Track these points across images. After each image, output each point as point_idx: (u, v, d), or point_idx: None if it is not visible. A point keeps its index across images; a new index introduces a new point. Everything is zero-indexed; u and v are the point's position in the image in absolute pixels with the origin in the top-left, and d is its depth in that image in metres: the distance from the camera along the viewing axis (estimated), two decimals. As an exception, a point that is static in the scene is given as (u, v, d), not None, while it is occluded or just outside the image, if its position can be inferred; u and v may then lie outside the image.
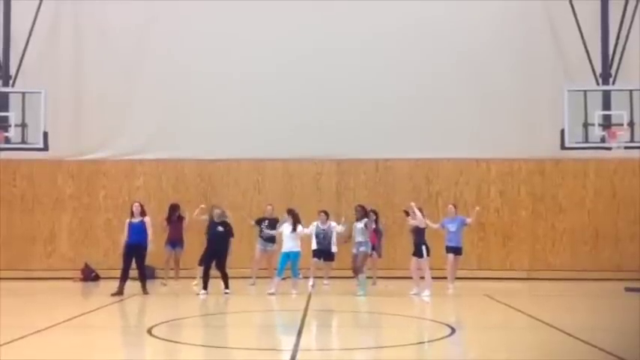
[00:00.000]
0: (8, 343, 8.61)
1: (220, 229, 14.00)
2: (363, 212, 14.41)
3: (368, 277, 14.81)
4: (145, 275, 14.19)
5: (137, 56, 17.76)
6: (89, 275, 16.67)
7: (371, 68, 17.62)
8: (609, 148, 15.81)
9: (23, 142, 16.02)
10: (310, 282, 14.88)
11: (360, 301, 13.49)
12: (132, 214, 14.09)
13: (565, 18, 17.07)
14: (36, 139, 15.88)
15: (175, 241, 15.74)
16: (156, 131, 17.64)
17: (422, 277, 14.00)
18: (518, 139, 17.37)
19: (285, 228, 14.21)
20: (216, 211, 14.19)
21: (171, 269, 15.97)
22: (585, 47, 16.77)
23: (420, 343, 9.51)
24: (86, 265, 16.82)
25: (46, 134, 15.91)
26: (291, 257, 14.16)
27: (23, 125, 15.90)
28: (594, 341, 8.81)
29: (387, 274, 15.92)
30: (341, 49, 17.60)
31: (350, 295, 13.80)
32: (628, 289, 14.77)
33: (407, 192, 17.41)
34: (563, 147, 15.95)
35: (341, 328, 11.23)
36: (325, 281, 15.53)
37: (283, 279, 14.47)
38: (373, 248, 15.15)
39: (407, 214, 14.05)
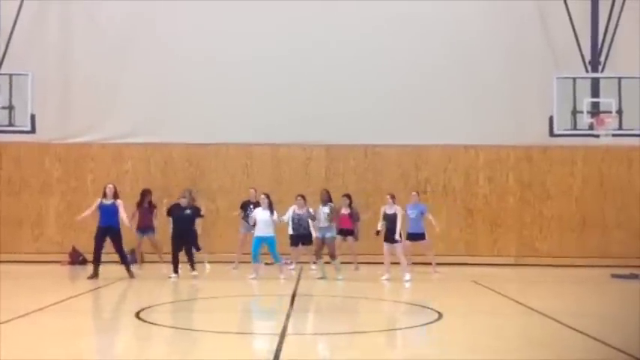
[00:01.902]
0: (-5, 326, 8.59)
1: (188, 212, 14.14)
2: (327, 197, 14.41)
3: (345, 263, 14.96)
4: (127, 258, 14.16)
5: (126, 39, 17.62)
6: (77, 259, 16.61)
7: (361, 55, 17.56)
8: (597, 136, 15.90)
9: (10, 124, 15.92)
10: (292, 267, 15.11)
11: (345, 286, 13.52)
12: (104, 195, 13.93)
13: (554, 4, 17.07)
14: (23, 122, 15.78)
15: (145, 227, 15.55)
16: (144, 115, 17.55)
17: (395, 263, 14.04)
18: (506, 126, 17.40)
19: (261, 213, 14.15)
20: (183, 200, 14.29)
21: (148, 253, 15.88)
22: (575, 34, 16.78)
23: (408, 327, 9.55)
24: (74, 249, 16.75)
25: (33, 117, 15.81)
26: (268, 242, 14.12)
27: (10, 108, 15.80)
28: (581, 327, 8.88)
29: (373, 260, 15.90)
30: (331, 36, 17.52)
31: (334, 281, 13.84)
32: (614, 276, 14.90)
33: (395, 178, 17.46)
34: (551, 134, 16.04)
35: (328, 312, 11.26)
36: (312, 266, 15.56)
37: (267, 264, 14.53)
38: (349, 233, 15.24)
39: (377, 233, 14.10)
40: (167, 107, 17.56)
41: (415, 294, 12.97)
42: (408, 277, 13.77)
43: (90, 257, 14.60)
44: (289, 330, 8.88)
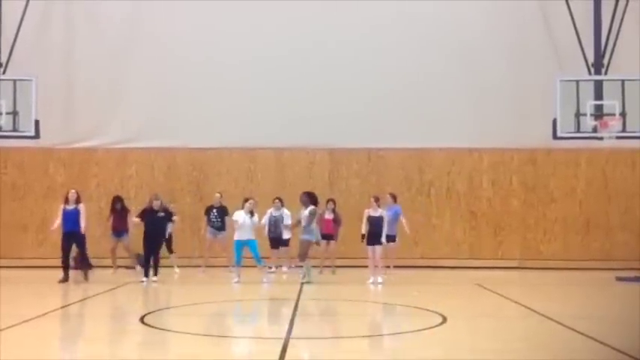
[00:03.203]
0: (-1, 331, 8.60)
1: (161, 214, 14.22)
2: (307, 200, 14.42)
3: (326, 267, 15.21)
4: (87, 262, 14.26)
5: (129, 44, 17.66)
6: (82, 264, 16.58)
7: (364, 59, 17.57)
8: (601, 138, 15.83)
9: (14, 129, 15.93)
10: (272, 270, 15.19)
11: (339, 289, 13.50)
12: (66, 201, 14.08)
13: (557, 7, 17.05)
14: (27, 127, 15.79)
15: (120, 230, 15.69)
16: (148, 120, 17.58)
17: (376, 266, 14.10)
18: (510, 129, 17.38)
19: (241, 216, 14.15)
20: (156, 202, 14.33)
21: (118, 257, 15.92)
22: (578, 37, 16.75)
23: (412, 331, 9.53)
24: (78, 254, 16.72)
25: (37, 122, 15.82)
26: (250, 245, 14.15)
27: (14, 113, 15.80)
28: (586, 330, 8.85)
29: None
30: (334, 39, 17.55)
31: (334, 284, 13.82)
32: (619, 279, 14.85)
33: (399, 181, 17.45)
34: (555, 137, 15.98)
35: (331, 317, 11.24)
36: (284, 269, 15.59)
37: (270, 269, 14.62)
38: (331, 237, 15.32)
39: (363, 237, 14.09)
40: (171, 111, 17.59)
41: (418, 298, 12.94)
42: (380, 279, 13.86)
43: (94, 262, 14.72)
44: (292, 334, 8.87)
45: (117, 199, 15.96)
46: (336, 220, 15.57)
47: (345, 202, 16.66)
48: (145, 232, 14.16)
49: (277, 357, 7.45)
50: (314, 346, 8.58)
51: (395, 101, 17.47)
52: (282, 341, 8.26)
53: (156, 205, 14.27)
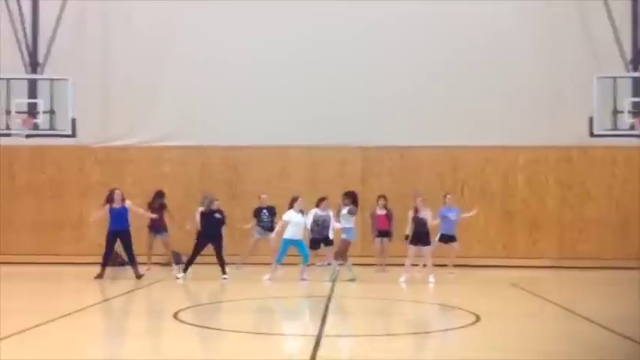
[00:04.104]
0: (36, 326, 8.74)
1: (217, 216, 14.23)
2: (347, 199, 14.29)
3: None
4: (135, 259, 14.35)
5: (164, 44, 17.83)
6: (116, 261, 16.79)
7: (397, 56, 17.50)
8: (638, 136, 15.58)
9: (51, 128, 16.21)
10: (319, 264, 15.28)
11: (381, 288, 13.47)
12: (112, 201, 14.22)
13: (594, 2, 16.80)
14: (64, 126, 16.04)
15: (157, 227, 15.80)
16: (182, 118, 17.73)
17: (416, 265, 14.08)
18: (545, 127, 17.17)
19: (295, 216, 14.15)
20: (216, 203, 14.36)
21: (156, 255, 16.04)
22: (615, 32, 16.48)
23: (444, 330, 9.47)
24: (114, 251, 16.95)
25: (74, 121, 16.06)
26: (299, 245, 14.15)
27: (51, 112, 16.09)
28: (624, 331, 8.69)
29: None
30: (370, 37, 17.52)
31: (368, 283, 13.79)
32: (657, 279, 14.59)
33: (432, 180, 17.35)
34: (591, 134, 15.76)
35: (364, 315, 11.22)
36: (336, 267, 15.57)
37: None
38: (386, 234, 15.36)
39: (407, 237, 14.06)
40: (204, 111, 17.71)
41: (452, 297, 12.85)
42: (433, 278, 13.80)
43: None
44: (325, 332, 8.87)
45: (158, 195, 16.00)
46: (389, 216, 15.60)
47: (376, 200, 16.58)
48: (202, 233, 14.20)
49: (310, 354, 7.46)
50: (343, 345, 8.56)
51: (427, 99, 17.36)
52: (314, 338, 8.28)
53: (215, 205, 14.30)
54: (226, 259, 14.57)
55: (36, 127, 16.19)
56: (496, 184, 17.47)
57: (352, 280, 13.88)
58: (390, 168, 17.67)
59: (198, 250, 14.24)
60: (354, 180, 17.40)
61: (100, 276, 13.96)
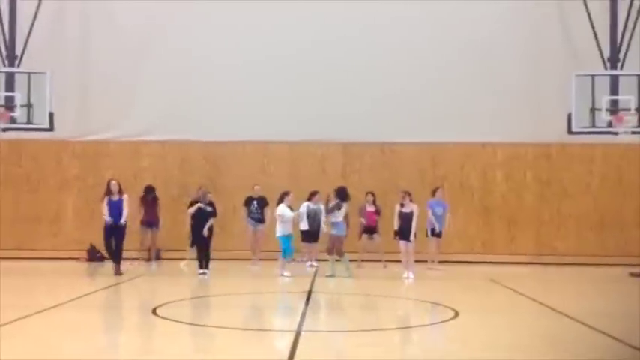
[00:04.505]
0: (12, 322, 8.66)
1: (209, 209, 14.14)
2: (338, 195, 14.35)
3: (365, 260, 15.28)
4: (121, 255, 14.09)
5: (143, 37, 17.71)
6: (94, 256, 16.72)
7: (377, 52, 17.51)
8: (616, 133, 15.76)
9: (29, 122, 16.07)
10: (314, 263, 15.20)
11: (361, 283, 13.50)
12: (110, 192, 14.00)
13: (573, 1, 16.92)
14: (41, 120, 15.90)
15: (151, 221, 15.81)
16: (161, 113, 17.62)
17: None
18: (524, 124, 17.28)
19: (286, 210, 14.15)
20: (204, 193, 14.31)
21: (148, 250, 15.97)
22: (593, 31, 16.61)
23: (423, 325, 9.51)
24: (92, 246, 16.86)
25: (51, 115, 15.93)
26: (290, 239, 14.25)
27: (29, 106, 15.94)
28: (600, 326, 8.78)
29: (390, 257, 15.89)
30: (347, 33, 17.48)
31: (346, 278, 13.81)
32: (633, 275, 14.75)
33: (412, 176, 17.40)
34: (569, 132, 15.91)
35: (344, 310, 11.25)
36: (314, 263, 15.57)
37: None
38: (374, 230, 15.45)
39: (395, 233, 14.10)
40: (184, 105, 17.61)
41: (432, 292, 12.90)
42: (412, 274, 13.83)
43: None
44: (304, 327, 8.88)
45: (149, 189, 15.92)
46: (377, 212, 15.70)
47: (359, 196, 16.61)
48: (194, 227, 14.13)
49: (289, 350, 7.46)
50: (322, 340, 8.57)
51: (408, 96, 17.40)
52: (293, 334, 8.28)
53: (208, 198, 14.21)
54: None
55: (13, 120, 16.02)
56: (475, 181, 17.57)
57: (348, 275, 13.86)
58: (370, 164, 17.70)
59: (196, 243, 14.13)
60: (334, 176, 17.40)
61: (118, 271, 13.72)
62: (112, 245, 13.91)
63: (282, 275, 13.87)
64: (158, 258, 16.43)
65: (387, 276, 14.61)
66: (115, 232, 13.88)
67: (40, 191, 17.64)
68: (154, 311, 9.74)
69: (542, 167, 17.57)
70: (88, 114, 17.77)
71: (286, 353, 7.33)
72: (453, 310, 10.05)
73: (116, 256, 13.92)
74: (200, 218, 14.07)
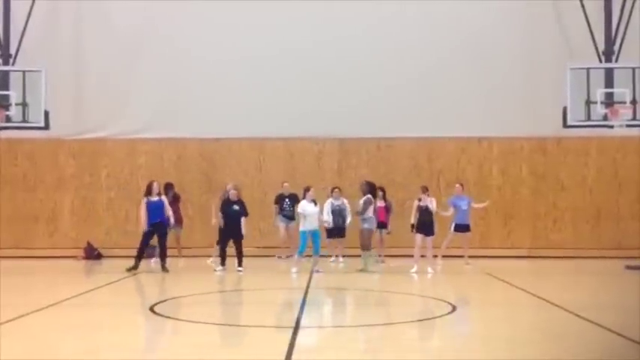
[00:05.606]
0: (10, 321, 8.67)
1: (236, 207, 14.11)
2: (366, 189, 14.38)
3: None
4: (166, 253, 14.25)
5: (139, 35, 17.67)
6: (92, 254, 16.73)
7: (374, 48, 17.51)
8: (611, 127, 15.76)
9: (24, 121, 16.02)
10: (333, 259, 15.43)
11: (362, 278, 13.53)
12: (150, 193, 14.11)
13: (569, -6, 16.94)
14: (37, 118, 15.87)
15: (175, 220, 15.64)
16: (157, 110, 17.60)
17: (423, 256, 14.09)
18: (520, 118, 17.31)
19: (309, 206, 14.09)
20: (232, 192, 14.27)
21: (173, 248, 15.96)
22: (588, 24, 16.63)
23: (421, 320, 9.54)
24: (89, 244, 16.87)
25: (47, 113, 15.89)
26: (314, 235, 14.05)
27: (24, 104, 15.89)
28: (596, 319, 8.83)
29: (393, 252, 15.92)
30: (343, 29, 17.47)
31: (350, 274, 13.84)
32: (628, 267, 14.80)
33: (409, 171, 17.43)
34: (565, 125, 15.91)
35: (342, 305, 11.28)
36: (340, 259, 15.64)
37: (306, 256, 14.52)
38: (384, 225, 15.51)
39: (413, 227, 14.16)
40: (180, 102, 17.60)
41: (429, 287, 12.95)
42: (431, 269, 13.92)
43: (104, 252, 14.82)
44: (303, 323, 8.91)
45: (169, 187, 15.81)
46: (388, 208, 15.69)
47: (355, 191, 16.61)
48: (225, 226, 14.09)
49: (287, 345, 7.50)
50: (321, 335, 8.60)
51: (404, 90, 17.40)
52: (291, 330, 8.31)
53: (232, 194, 14.20)
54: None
55: (8, 119, 15.97)
56: (471, 175, 17.59)
57: (367, 271, 13.87)
58: (367, 159, 17.71)
59: (222, 240, 14.16)
60: (330, 171, 17.45)
61: (134, 268, 13.78)
62: (148, 243, 14.08)
63: (315, 271, 13.73)
64: (153, 256, 16.27)
65: (385, 270, 14.61)
66: (158, 230, 14.00)
67: (36, 190, 17.62)
68: (151, 308, 9.73)
69: (538, 161, 17.61)
70: (84, 112, 17.75)
71: (284, 348, 7.35)
72: (451, 304, 10.08)
73: (162, 253, 14.09)
74: (232, 217, 14.03)
